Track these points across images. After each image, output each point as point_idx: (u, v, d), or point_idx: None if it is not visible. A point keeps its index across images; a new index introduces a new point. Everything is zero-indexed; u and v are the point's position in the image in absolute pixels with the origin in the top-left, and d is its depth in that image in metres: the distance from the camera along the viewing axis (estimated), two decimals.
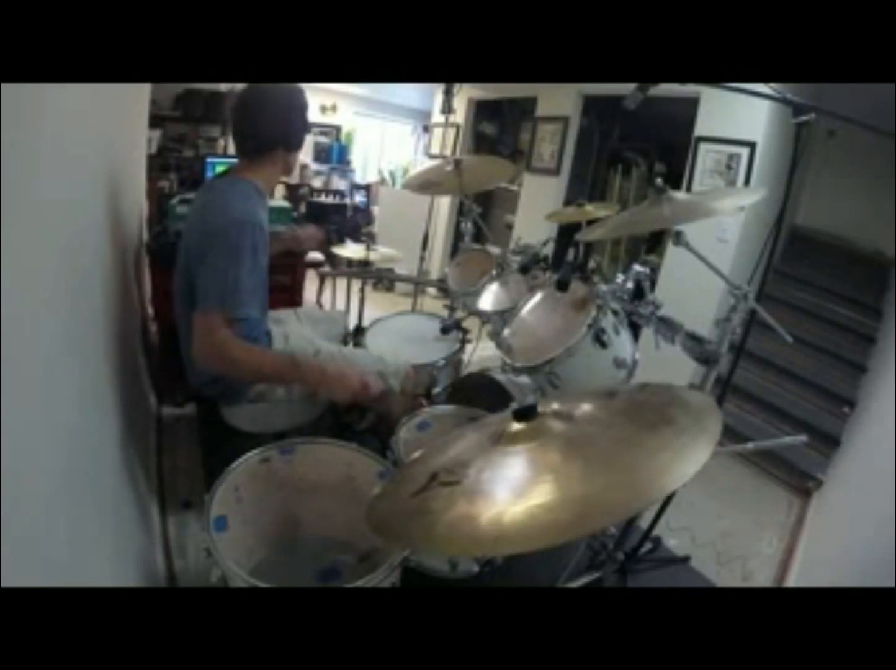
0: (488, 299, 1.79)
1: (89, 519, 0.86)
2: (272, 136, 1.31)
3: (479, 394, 1.57)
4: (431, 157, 5.39)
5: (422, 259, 3.16)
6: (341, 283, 2.85)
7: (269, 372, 1.27)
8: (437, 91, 4.90)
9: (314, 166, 5.81)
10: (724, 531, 2.13)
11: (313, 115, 5.77)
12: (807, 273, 3.50)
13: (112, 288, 1.33)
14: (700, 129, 3.01)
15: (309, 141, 5.77)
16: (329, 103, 6.11)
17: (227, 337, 1.18)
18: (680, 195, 1.25)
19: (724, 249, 2.82)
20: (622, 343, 1.29)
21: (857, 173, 3.44)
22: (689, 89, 2.74)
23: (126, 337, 1.51)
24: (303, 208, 5.13)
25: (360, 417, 1.76)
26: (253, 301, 1.24)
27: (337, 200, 5.63)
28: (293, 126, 1.34)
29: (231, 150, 1.42)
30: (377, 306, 3.79)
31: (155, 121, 3.79)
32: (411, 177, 2.42)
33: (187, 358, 1.38)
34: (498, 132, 5.36)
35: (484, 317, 1.78)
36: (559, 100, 3.95)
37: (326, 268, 3.06)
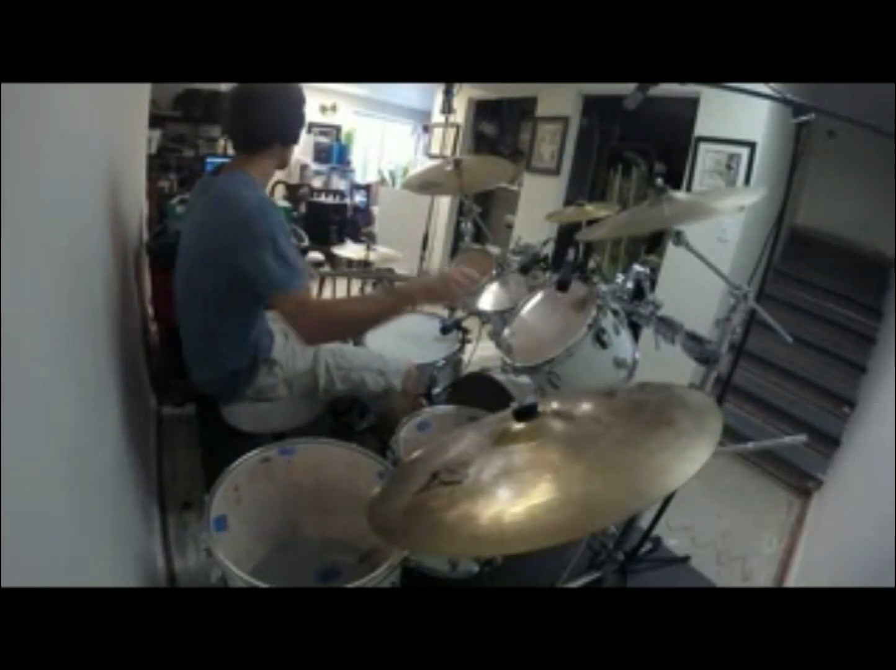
0: (488, 299, 1.79)
1: (89, 520, 0.86)
2: (268, 130, 1.31)
3: (479, 394, 1.57)
4: (431, 156, 5.40)
5: (422, 259, 3.17)
6: (341, 283, 2.85)
7: (374, 317, 1.33)
8: (437, 91, 4.91)
9: (314, 166, 5.81)
10: (724, 531, 2.13)
11: (313, 115, 5.85)
12: (807, 273, 3.50)
13: (112, 288, 1.33)
14: (700, 129, 3.01)
15: (309, 141, 5.78)
16: (329, 103, 6.11)
17: (316, 304, 1.24)
18: (680, 195, 1.25)
19: (724, 249, 2.82)
20: (622, 343, 1.29)
21: (857, 173, 3.44)
22: (689, 89, 2.74)
23: (126, 337, 1.51)
24: (303, 208, 5.13)
25: (360, 417, 1.77)
26: (301, 266, 1.27)
27: (337, 200, 5.63)
28: (289, 120, 1.34)
29: (231, 150, 1.42)
30: None
31: (155, 121, 3.79)
32: (411, 177, 2.42)
33: (188, 357, 1.38)
34: (498, 132, 5.36)
35: (484, 317, 1.78)
36: (559, 100, 3.95)
37: (326, 268, 3.07)
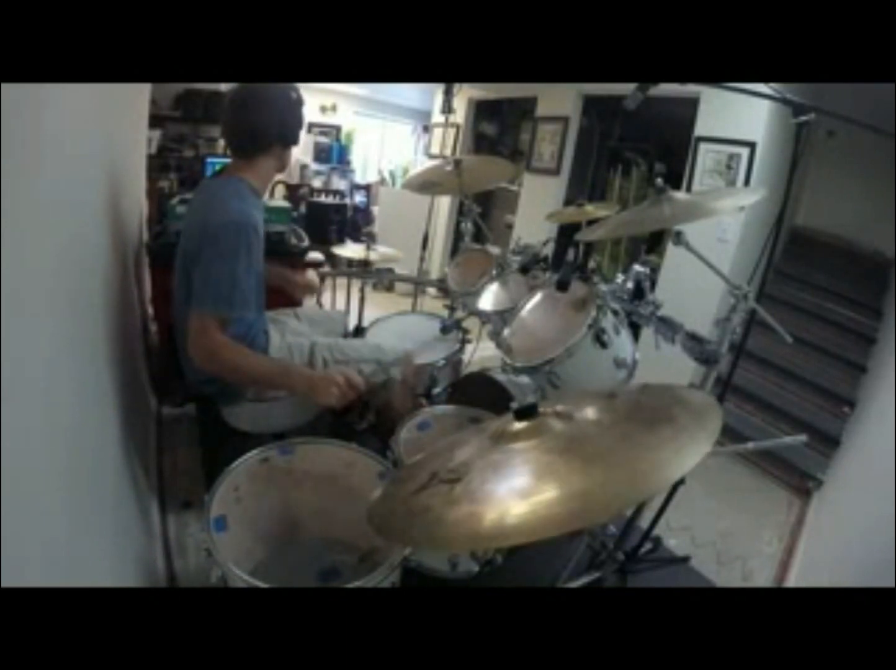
0: (488, 299, 1.78)
1: (89, 519, 0.86)
2: (268, 133, 1.31)
3: (479, 394, 1.57)
4: (431, 156, 5.39)
5: (422, 259, 3.16)
6: (341, 283, 2.85)
7: (260, 377, 1.28)
8: (437, 91, 4.90)
9: (314, 166, 5.81)
10: (724, 531, 2.13)
11: (313, 115, 5.85)
12: (807, 273, 3.49)
13: (112, 288, 1.33)
14: (700, 129, 3.01)
15: (309, 141, 5.78)
16: (329, 103, 6.11)
17: (220, 339, 1.19)
18: (680, 195, 1.24)
19: (724, 249, 2.82)
20: (622, 343, 1.29)
21: (857, 173, 3.44)
22: (689, 89, 2.74)
23: (126, 337, 1.51)
24: (303, 208, 5.13)
25: (360, 417, 1.76)
26: (249, 300, 1.25)
27: (337, 200, 5.63)
28: (289, 122, 1.34)
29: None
30: (377, 306, 3.78)
31: (155, 121, 3.78)
32: (411, 177, 2.42)
33: (186, 357, 1.38)
34: (498, 132, 5.36)
35: (484, 317, 1.78)
36: (559, 100, 3.95)
37: (326, 268, 3.07)
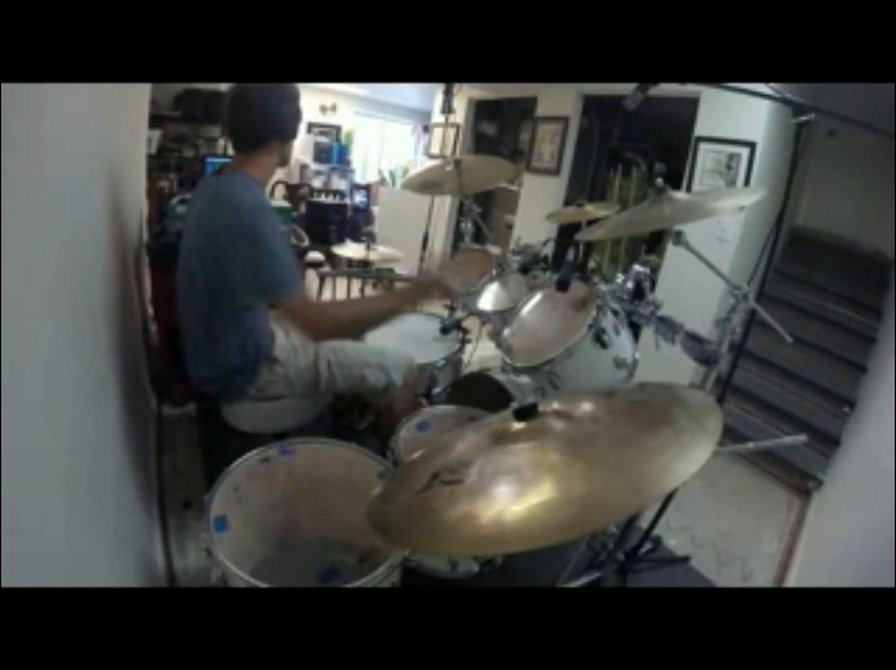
0: (488, 299, 1.79)
1: (89, 519, 0.86)
2: (265, 128, 1.32)
3: (479, 394, 1.57)
4: (431, 156, 5.39)
5: (422, 259, 3.16)
6: (341, 283, 2.86)
7: (370, 317, 1.33)
8: (437, 91, 4.90)
9: (314, 166, 5.81)
10: (724, 531, 2.13)
11: (313, 115, 5.85)
12: (807, 273, 3.49)
13: (112, 287, 1.33)
14: (700, 129, 3.01)
15: (309, 141, 5.78)
16: (329, 103, 6.11)
17: (317, 306, 1.26)
18: (680, 195, 1.24)
19: (724, 249, 2.82)
20: (622, 343, 1.29)
21: (857, 173, 3.44)
22: (689, 89, 2.74)
23: (126, 337, 1.51)
24: (303, 208, 5.13)
25: (360, 417, 1.77)
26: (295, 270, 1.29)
27: (337, 200, 5.63)
28: (285, 116, 1.34)
29: (231, 150, 1.42)
30: None
31: (155, 121, 3.79)
32: (411, 177, 2.42)
33: (188, 357, 1.38)
34: (498, 132, 5.36)
35: (484, 317, 1.78)
36: (559, 100, 3.95)
37: (326, 268, 3.07)
